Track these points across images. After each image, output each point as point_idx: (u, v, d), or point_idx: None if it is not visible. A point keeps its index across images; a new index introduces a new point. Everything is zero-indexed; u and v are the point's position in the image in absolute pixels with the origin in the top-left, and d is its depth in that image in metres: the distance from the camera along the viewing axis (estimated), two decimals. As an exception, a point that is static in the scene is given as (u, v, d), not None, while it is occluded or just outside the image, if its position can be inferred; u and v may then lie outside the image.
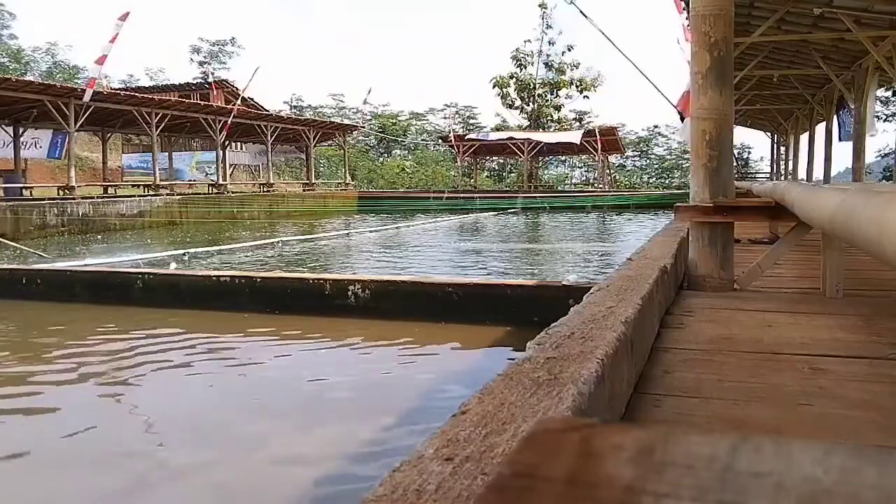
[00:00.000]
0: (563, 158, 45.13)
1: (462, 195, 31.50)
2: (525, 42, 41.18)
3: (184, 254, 10.70)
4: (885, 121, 34.35)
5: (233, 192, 26.29)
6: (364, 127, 39.20)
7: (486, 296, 5.54)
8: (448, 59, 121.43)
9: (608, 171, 37.97)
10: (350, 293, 5.77)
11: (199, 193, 25.22)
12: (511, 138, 34.37)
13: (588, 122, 40.99)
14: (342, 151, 34.95)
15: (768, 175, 30.00)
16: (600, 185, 35.95)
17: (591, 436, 0.39)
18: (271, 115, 29.76)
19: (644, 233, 14.31)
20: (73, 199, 18.50)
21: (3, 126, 21.54)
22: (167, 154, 29.68)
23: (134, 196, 21.77)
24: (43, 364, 4.66)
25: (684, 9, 9.94)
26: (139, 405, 3.92)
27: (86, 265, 8.23)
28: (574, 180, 46.80)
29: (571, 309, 1.93)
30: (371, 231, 17.83)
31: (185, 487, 2.89)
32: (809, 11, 9.93)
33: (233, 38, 48.30)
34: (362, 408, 3.80)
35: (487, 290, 5.65)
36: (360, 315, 5.68)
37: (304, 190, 31.04)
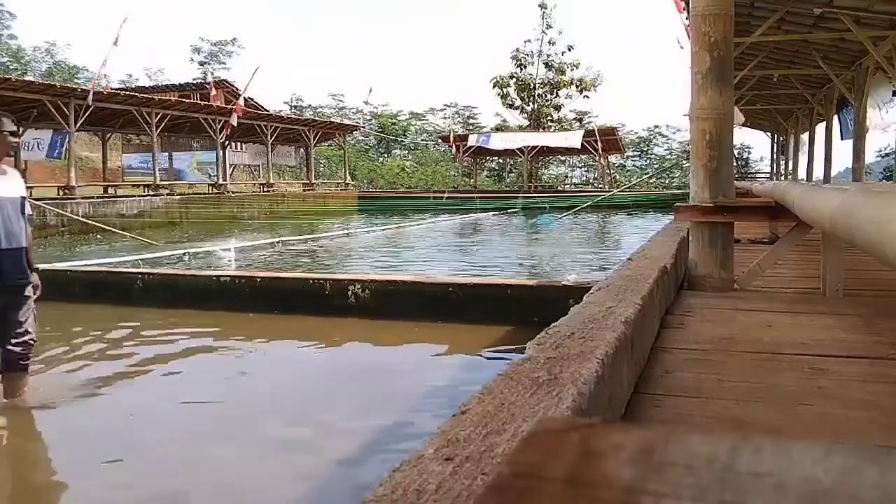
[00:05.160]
0: (563, 158, 45.12)
1: (462, 195, 31.52)
2: (525, 42, 41.10)
3: (184, 254, 10.69)
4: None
5: (233, 193, 26.28)
6: (364, 127, 39.15)
7: (486, 296, 5.54)
8: (448, 59, 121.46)
9: (608, 171, 37.96)
10: (350, 293, 5.77)
11: (200, 193, 25.20)
12: (512, 142, 34.26)
13: (588, 122, 40.96)
14: (342, 151, 34.95)
15: (768, 175, 30.00)
16: (600, 186, 35.93)
17: (591, 436, 0.39)
18: (271, 115, 29.74)
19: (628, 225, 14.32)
20: (74, 199, 18.49)
21: (3, 126, 21.49)
22: (167, 154, 29.67)
23: (134, 196, 21.75)
24: (42, 364, 4.65)
25: (684, 8, 9.93)
26: (138, 405, 3.92)
27: (86, 265, 8.21)
28: (574, 180, 46.78)
29: (571, 309, 1.93)
30: (367, 232, 17.81)
31: (185, 487, 2.89)
32: (809, 11, 9.92)
33: (233, 38, 48.27)
34: (362, 408, 3.80)
35: (487, 290, 5.65)
36: (360, 315, 5.67)
37: (304, 190, 31.03)
